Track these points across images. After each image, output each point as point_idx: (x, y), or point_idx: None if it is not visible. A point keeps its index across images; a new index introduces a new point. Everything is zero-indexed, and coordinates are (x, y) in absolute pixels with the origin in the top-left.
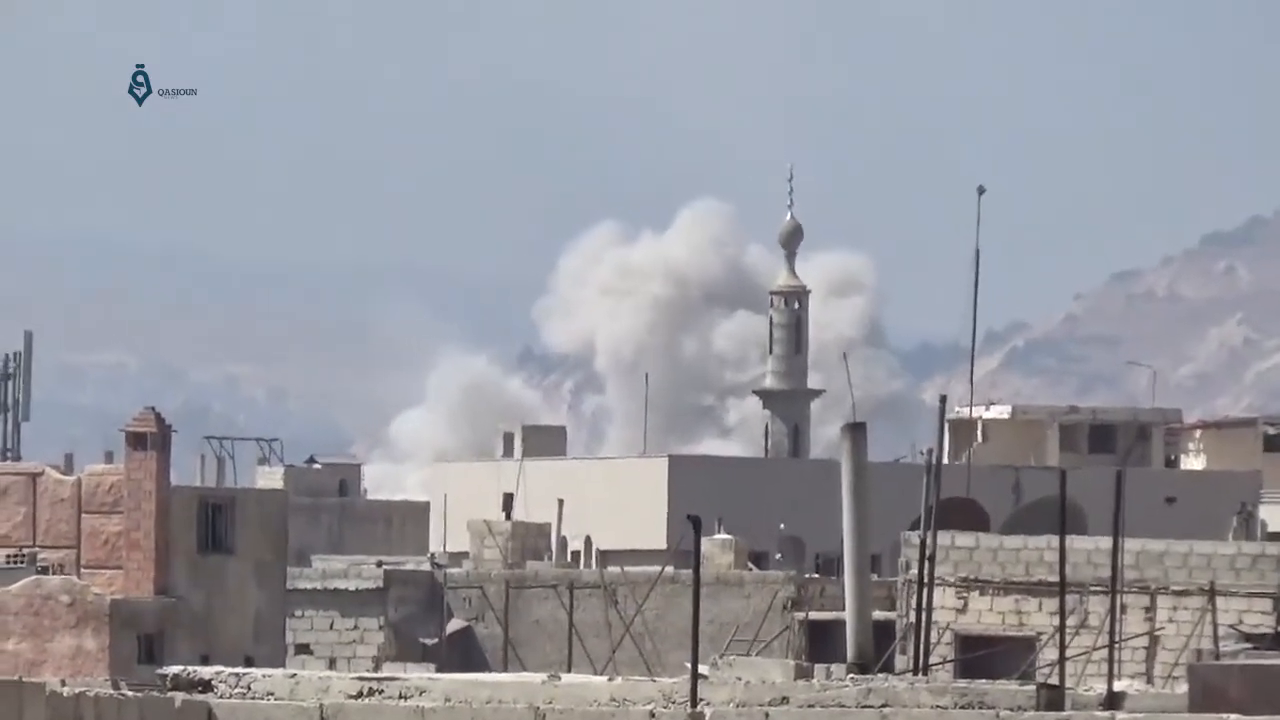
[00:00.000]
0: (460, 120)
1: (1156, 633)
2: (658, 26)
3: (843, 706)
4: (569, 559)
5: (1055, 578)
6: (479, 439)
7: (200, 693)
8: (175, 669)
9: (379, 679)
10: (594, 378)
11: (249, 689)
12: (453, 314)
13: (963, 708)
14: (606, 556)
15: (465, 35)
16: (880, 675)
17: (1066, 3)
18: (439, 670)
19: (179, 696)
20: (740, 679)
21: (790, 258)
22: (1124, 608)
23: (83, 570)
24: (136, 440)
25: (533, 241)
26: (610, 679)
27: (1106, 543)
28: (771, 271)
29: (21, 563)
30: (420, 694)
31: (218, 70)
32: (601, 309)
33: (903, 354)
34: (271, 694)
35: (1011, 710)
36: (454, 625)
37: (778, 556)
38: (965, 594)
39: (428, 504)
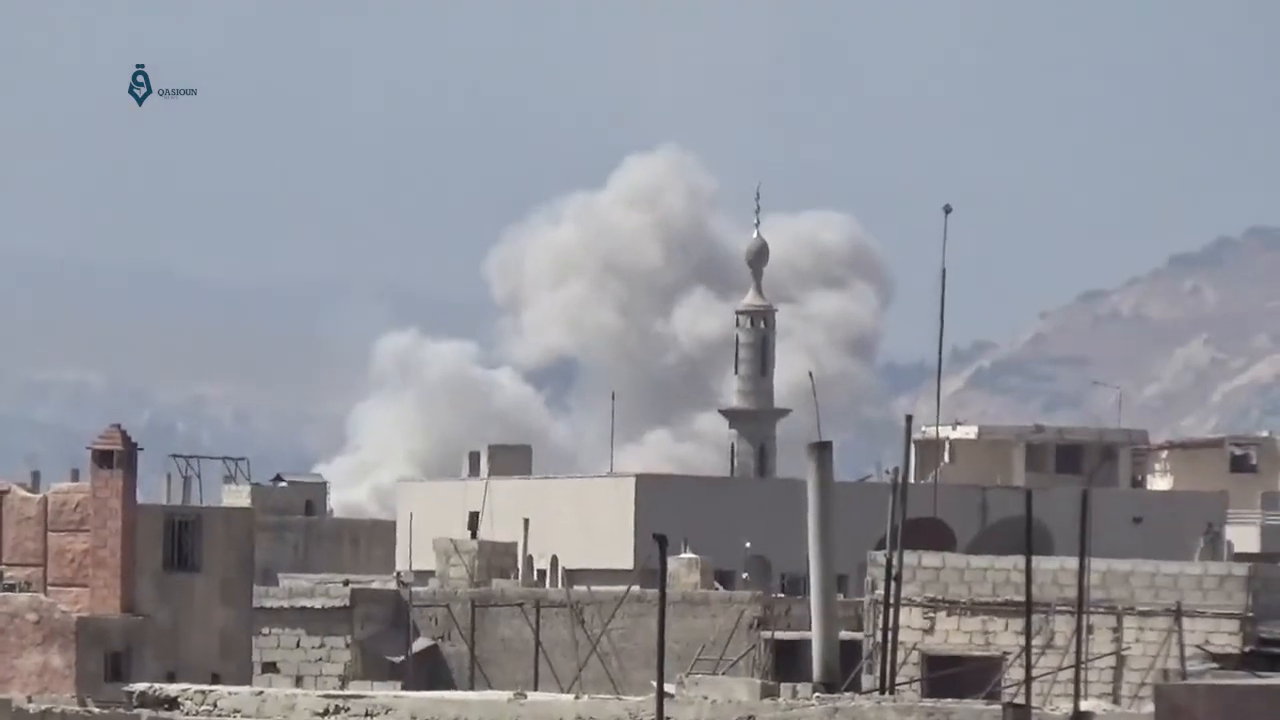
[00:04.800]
0: (393, 128)
1: (1123, 653)
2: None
3: None
4: (535, 578)
5: (1022, 598)
6: (457, 436)
7: (167, 710)
8: (142, 686)
9: (345, 697)
10: (565, 388)
11: (215, 706)
12: (409, 324)
13: None
14: (573, 575)
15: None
16: (846, 694)
17: (1040, 21)
18: (405, 688)
19: (145, 714)
20: (706, 698)
21: (757, 275)
22: (1090, 628)
23: (49, 588)
24: (103, 458)
25: (475, 239)
26: (576, 697)
27: (1073, 563)
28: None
29: None
30: (386, 712)
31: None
32: (555, 307)
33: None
34: (238, 711)
35: None
36: (420, 644)
37: (744, 576)
38: (932, 614)
39: (393, 523)
